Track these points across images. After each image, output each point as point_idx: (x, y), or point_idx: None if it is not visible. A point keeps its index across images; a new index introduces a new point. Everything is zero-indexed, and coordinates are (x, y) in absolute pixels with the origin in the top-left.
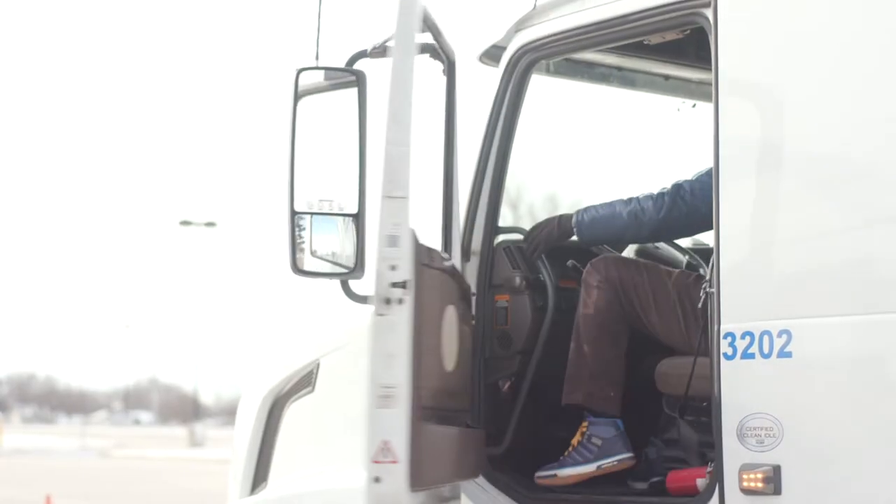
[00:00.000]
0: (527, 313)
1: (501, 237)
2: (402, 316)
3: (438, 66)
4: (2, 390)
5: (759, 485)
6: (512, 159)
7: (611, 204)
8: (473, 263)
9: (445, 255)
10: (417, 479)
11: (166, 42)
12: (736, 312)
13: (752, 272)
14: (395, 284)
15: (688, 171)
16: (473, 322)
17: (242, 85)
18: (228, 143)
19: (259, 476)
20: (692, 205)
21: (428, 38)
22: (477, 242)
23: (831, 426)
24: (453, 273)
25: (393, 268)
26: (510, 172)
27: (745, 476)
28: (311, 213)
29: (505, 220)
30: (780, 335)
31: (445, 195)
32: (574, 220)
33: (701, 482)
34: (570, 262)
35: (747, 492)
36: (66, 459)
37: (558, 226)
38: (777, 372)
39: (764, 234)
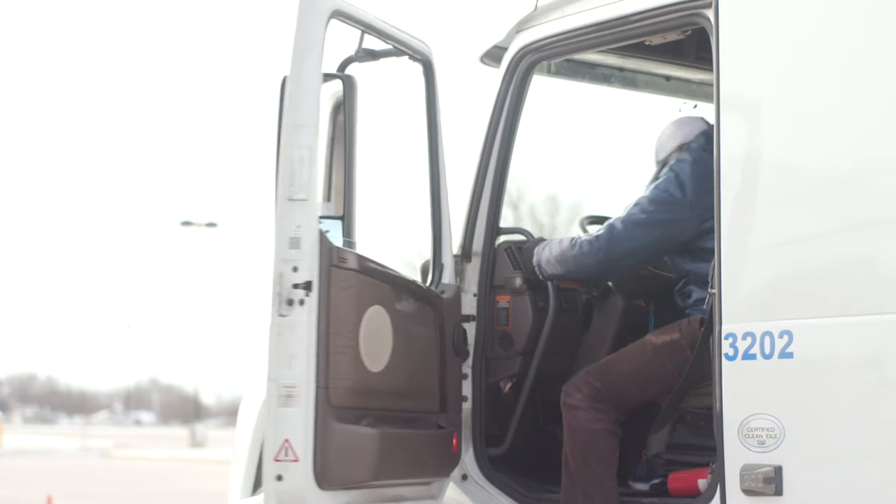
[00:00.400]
0: (528, 314)
1: (503, 238)
2: (304, 317)
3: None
4: (3, 391)
5: (761, 485)
6: (513, 160)
7: (560, 243)
8: (475, 264)
9: (370, 258)
10: (325, 478)
11: (168, 43)
12: (737, 313)
13: (754, 273)
14: (296, 286)
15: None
16: (475, 320)
17: (243, 86)
18: (229, 144)
19: (260, 477)
20: (627, 244)
21: (388, 43)
22: (478, 243)
23: (833, 427)
24: (383, 274)
25: (295, 269)
26: (511, 173)
27: (746, 476)
28: None
29: (506, 220)
30: (781, 336)
31: (433, 197)
32: (535, 259)
33: (702, 483)
34: None
35: (749, 492)
36: (68, 460)
37: (531, 258)
38: (778, 372)
39: (765, 235)
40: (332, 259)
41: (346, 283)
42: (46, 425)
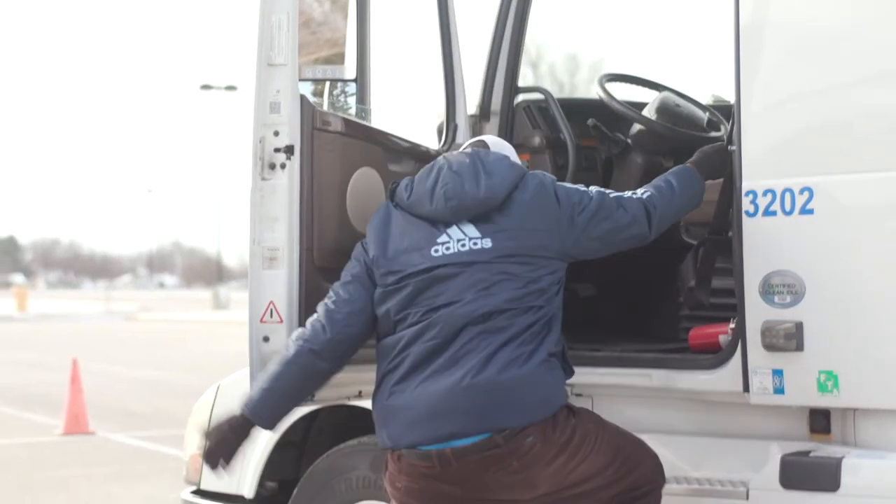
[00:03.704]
0: (547, 172)
1: (521, 97)
2: (285, 180)
3: None
4: (26, 256)
5: (782, 341)
6: (531, 17)
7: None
8: (493, 123)
9: (358, 120)
10: None
11: None
12: (757, 170)
13: (773, 129)
14: (277, 150)
15: (706, 36)
16: None
17: None
18: (249, 6)
19: None
20: None
21: None
22: (496, 102)
23: (853, 283)
24: (374, 136)
25: (276, 133)
26: (530, 31)
27: (767, 332)
28: (314, 80)
29: (525, 79)
30: (801, 192)
31: (444, 55)
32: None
33: (724, 339)
34: (590, 121)
35: (770, 348)
36: (92, 324)
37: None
38: (799, 229)
39: (784, 91)
40: (314, 122)
41: (331, 145)
42: (70, 290)
